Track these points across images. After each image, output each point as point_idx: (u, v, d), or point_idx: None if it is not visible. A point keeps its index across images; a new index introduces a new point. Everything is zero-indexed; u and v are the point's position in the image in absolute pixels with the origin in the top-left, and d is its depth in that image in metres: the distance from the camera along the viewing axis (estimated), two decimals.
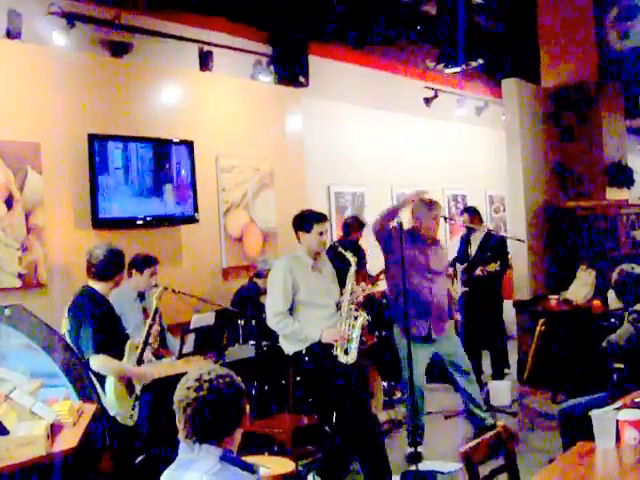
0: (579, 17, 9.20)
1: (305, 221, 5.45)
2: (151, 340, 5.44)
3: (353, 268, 5.47)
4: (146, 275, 6.19)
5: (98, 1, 7.12)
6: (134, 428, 4.92)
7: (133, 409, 4.86)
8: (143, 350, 5.13)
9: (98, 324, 4.80)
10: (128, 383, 4.89)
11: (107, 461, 4.45)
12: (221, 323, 6.57)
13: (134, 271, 6.18)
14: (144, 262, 6.22)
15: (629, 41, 9.00)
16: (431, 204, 6.40)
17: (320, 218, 5.48)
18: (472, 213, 8.53)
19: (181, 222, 7.54)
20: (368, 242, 8.99)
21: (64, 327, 4.93)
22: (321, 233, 5.41)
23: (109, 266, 4.99)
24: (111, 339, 4.87)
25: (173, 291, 5.91)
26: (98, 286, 5.00)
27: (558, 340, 7.77)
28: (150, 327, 5.27)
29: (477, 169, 12.53)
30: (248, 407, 2.61)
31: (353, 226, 8.38)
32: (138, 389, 4.97)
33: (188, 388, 2.52)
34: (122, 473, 4.73)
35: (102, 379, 4.75)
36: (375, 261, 8.55)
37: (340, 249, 5.70)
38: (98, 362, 4.70)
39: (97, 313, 4.85)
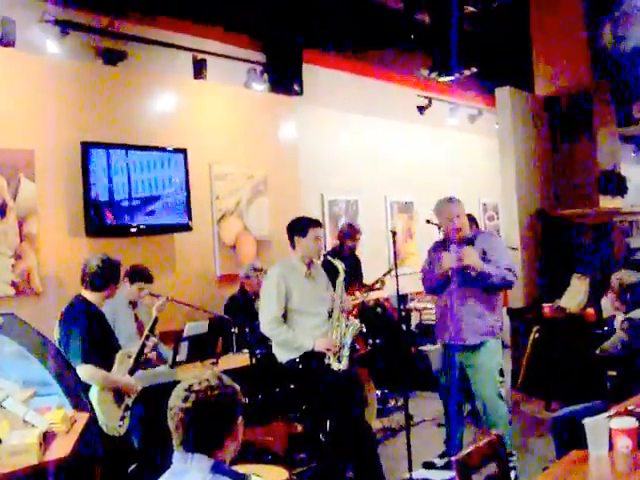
0: (573, 25, 9.22)
1: (300, 226, 5.47)
2: (146, 351, 5.44)
3: (342, 276, 5.47)
4: (134, 288, 6.16)
5: (92, 9, 7.11)
6: (126, 437, 4.91)
7: (122, 419, 4.84)
8: (137, 361, 5.11)
9: (87, 334, 4.79)
10: (116, 393, 4.87)
11: (100, 470, 4.43)
12: (214, 331, 6.57)
13: (125, 279, 6.16)
14: (136, 275, 6.18)
15: (623, 48, 9.03)
16: (443, 204, 5.95)
17: (315, 222, 5.52)
18: (469, 220, 8.50)
19: (175, 230, 7.53)
20: (363, 250, 9.03)
21: (56, 335, 4.93)
22: (317, 238, 5.43)
23: (102, 277, 4.99)
24: (101, 349, 4.86)
25: (174, 301, 5.89)
26: (91, 296, 5.00)
27: (552, 348, 7.79)
28: (147, 338, 5.26)
29: (471, 177, 12.54)
30: (241, 418, 2.60)
31: (347, 234, 8.35)
32: (129, 400, 4.95)
33: (177, 397, 2.52)
34: None
35: (86, 389, 4.74)
36: (372, 269, 8.58)
37: (329, 257, 5.72)
38: (85, 372, 4.68)
39: (87, 323, 4.85)
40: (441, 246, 6.00)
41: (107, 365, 4.88)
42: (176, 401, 2.51)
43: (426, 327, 9.39)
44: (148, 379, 5.41)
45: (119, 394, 4.90)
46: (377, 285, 8.24)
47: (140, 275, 6.19)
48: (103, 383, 4.78)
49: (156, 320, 5.43)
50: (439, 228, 6.07)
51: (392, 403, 7.86)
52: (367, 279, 8.47)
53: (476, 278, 5.65)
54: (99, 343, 4.88)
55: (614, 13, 9.05)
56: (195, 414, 2.48)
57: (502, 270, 5.68)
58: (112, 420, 4.78)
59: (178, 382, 2.62)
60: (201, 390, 2.51)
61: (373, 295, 8.39)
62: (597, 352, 5.34)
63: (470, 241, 5.85)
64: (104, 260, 5.03)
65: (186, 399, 2.49)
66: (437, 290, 5.98)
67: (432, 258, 6.01)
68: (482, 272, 5.61)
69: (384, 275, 8.20)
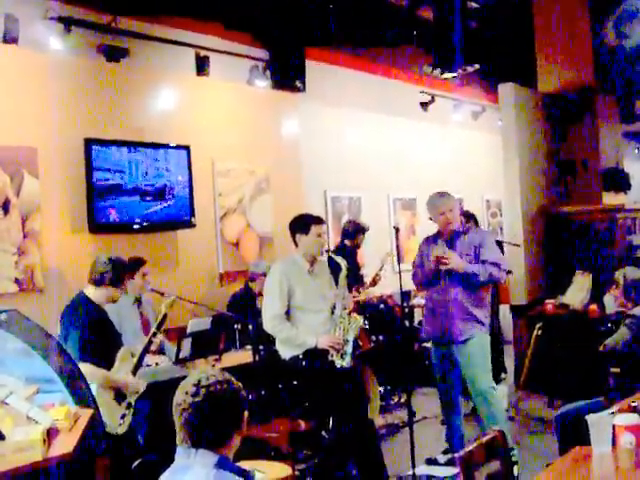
0: (575, 22, 9.22)
1: (303, 223, 5.46)
2: (153, 348, 5.45)
3: (344, 272, 5.47)
4: (138, 278, 6.18)
5: (95, 6, 7.11)
6: (131, 433, 4.92)
7: (122, 418, 4.85)
8: (141, 358, 5.12)
9: (86, 332, 4.80)
10: (117, 392, 4.88)
11: (103, 466, 4.44)
12: (217, 328, 6.57)
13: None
14: (131, 266, 6.18)
15: (626, 45, 9.02)
16: (435, 198, 5.98)
17: (318, 220, 5.49)
18: (467, 217, 8.49)
19: (177, 227, 7.54)
20: (365, 247, 8.99)
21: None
22: (319, 235, 5.42)
23: (105, 273, 4.99)
24: (101, 348, 4.87)
25: (177, 298, 5.89)
26: (93, 292, 5.00)
27: (555, 345, 7.78)
28: (154, 335, 5.27)
29: (474, 173, 12.54)
30: (247, 413, 2.60)
31: (350, 232, 8.30)
32: (133, 398, 4.95)
33: (186, 393, 2.50)
34: (119, 478, 4.72)
35: None
36: (375, 266, 8.56)
37: (331, 255, 5.72)
38: (83, 370, 4.68)
39: (87, 321, 4.85)
40: (431, 241, 6.07)
41: (108, 363, 4.89)
42: (185, 396, 2.50)
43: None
44: (152, 376, 5.42)
45: (120, 392, 4.91)
46: (377, 279, 8.21)
47: (132, 264, 6.18)
48: (101, 382, 4.78)
49: (165, 317, 5.43)
50: None
51: (395, 399, 7.87)
52: (369, 277, 8.47)
53: (463, 277, 5.75)
54: (99, 341, 4.88)
55: (617, 10, 9.04)
56: (207, 408, 2.47)
57: (488, 267, 5.77)
58: (112, 419, 4.77)
59: (182, 378, 2.62)
60: (211, 384, 2.50)
61: (376, 292, 8.39)
62: (600, 349, 5.34)
63: (459, 235, 5.93)
64: (110, 258, 5.04)
65: (196, 394, 2.48)
66: (426, 285, 6.06)
67: (423, 253, 6.05)
68: (466, 273, 5.73)
69: (379, 270, 8.19)
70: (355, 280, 7.76)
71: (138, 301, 6.32)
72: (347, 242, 8.16)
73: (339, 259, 5.56)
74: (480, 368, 5.86)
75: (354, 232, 8.18)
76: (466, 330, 5.81)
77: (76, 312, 4.93)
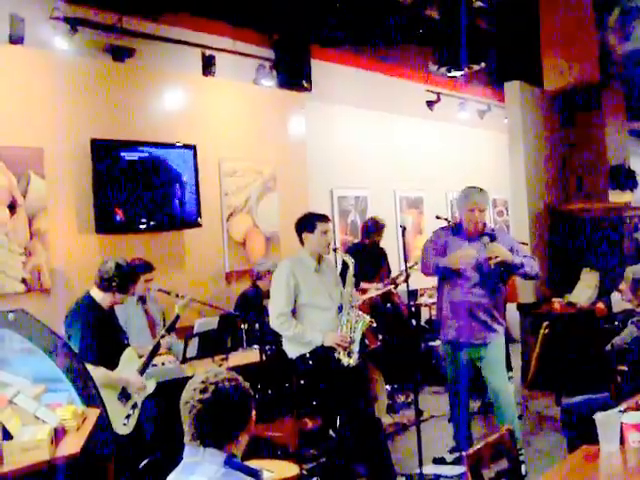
0: (581, 20, 9.19)
1: (308, 221, 5.47)
2: (162, 350, 5.45)
3: (351, 271, 5.47)
4: (141, 282, 6.15)
5: (101, 6, 7.12)
6: (138, 433, 4.92)
7: (127, 418, 4.85)
8: (150, 359, 5.12)
9: (87, 332, 4.81)
10: (122, 392, 4.88)
11: (111, 465, 4.45)
12: (224, 327, 6.57)
13: None
14: (138, 271, 6.15)
15: (631, 43, 9.00)
16: (472, 192, 5.99)
17: (323, 218, 5.50)
18: None
19: (184, 226, 7.54)
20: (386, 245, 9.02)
21: None
22: (325, 232, 5.42)
23: (111, 280, 4.99)
24: (104, 348, 4.87)
25: (176, 297, 5.90)
26: (97, 294, 5.01)
27: (562, 343, 7.77)
28: (163, 337, 5.27)
29: (480, 172, 12.49)
30: (254, 412, 2.60)
31: (371, 229, 8.41)
32: (139, 399, 4.96)
33: (194, 390, 2.51)
34: (126, 477, 4.73)
35: None
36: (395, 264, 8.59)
37: (339, 252, 5.72)
38: None
39: (89, 321, 4.86)
40: (459, 236, 5.97)
41: (112, 364, 4.89)
42: (193, 393, 2.51)
43: (436, 322, 9.40)
44: (159, 375, 5.43)
45: (125, 392, 4.91)
46: (401, 279, 8.20)
47: (140, 269, 6.17)
48: (101, 381, 4.77)
49: (177, 319, 5.44)
50: (448, 223, 6.09)
51: (402, 398, 7.86)
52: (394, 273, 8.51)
53: (486, 279, 5.74)
54: (102, 342, 4.88)
55: (621, 9, 9.01)
56: (215, 405, 2.48)
57: (529, 259, 5.85)
58: (115, 419, 4.77)
59: (189, 378, 2.62)
60: (218, 383, 2.51)
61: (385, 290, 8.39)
62: (608, 347, 5.32)
63: (491, 236, 5.87)
64: (117, 264, 5.04)
65: (205, 390, 2.49)
66: (435, 274, 6.02)
67: (440, 244, 5.99)
68: (514, 264, 5.72)
69: (409, 268, 8.20)
70: (375, 272, 7.90)
71: (142, 299, 6.32)
72: (367, 240, 8.28)
73: (346, 257, 5.56)
74: (498, 368, 5.93)
75: (375, 229, 8.33)
76: (488, 332, 5.85)
77: (78, 313, 4.94)
